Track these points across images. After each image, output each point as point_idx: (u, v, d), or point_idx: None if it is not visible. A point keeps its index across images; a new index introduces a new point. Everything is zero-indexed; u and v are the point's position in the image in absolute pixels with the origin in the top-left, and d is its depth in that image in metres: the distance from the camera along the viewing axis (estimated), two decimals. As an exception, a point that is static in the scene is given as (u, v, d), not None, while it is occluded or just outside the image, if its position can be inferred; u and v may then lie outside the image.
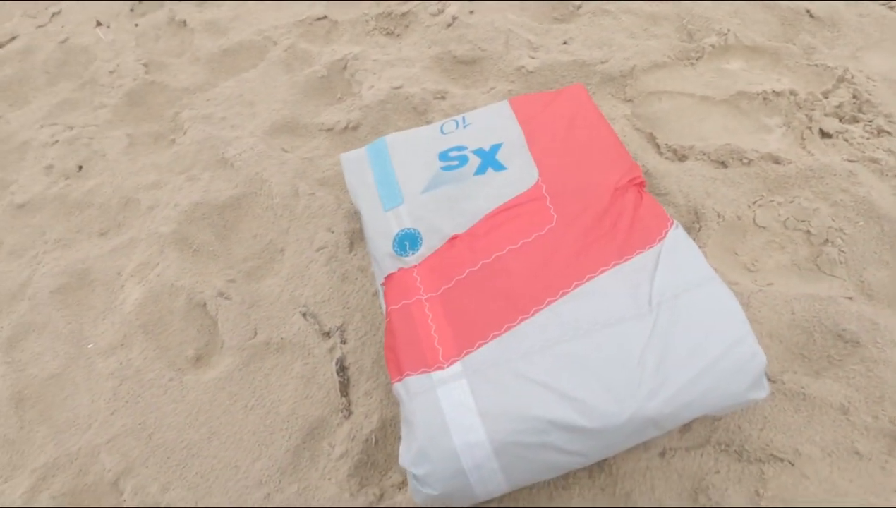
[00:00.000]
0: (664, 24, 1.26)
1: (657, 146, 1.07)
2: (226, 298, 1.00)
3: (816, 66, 1.13)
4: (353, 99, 1.27)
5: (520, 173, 0.87)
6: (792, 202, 0.95)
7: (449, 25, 1.36)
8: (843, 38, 1.18)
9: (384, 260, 0.84)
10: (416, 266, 0.81)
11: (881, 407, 0.75)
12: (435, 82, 1.26)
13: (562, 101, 0.98)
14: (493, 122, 0.96)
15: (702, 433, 0.77)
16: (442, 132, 0.97)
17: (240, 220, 1.14)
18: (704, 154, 1.03)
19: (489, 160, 0.90)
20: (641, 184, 0.85)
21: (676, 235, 0.77)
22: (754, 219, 0.94)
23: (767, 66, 1.17)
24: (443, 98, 1.22)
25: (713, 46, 1.19)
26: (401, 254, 0.83)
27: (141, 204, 1.18)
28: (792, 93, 1.08)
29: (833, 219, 0.92)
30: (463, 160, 0.91)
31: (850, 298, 0.85)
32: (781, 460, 0.74)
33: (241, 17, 1.55)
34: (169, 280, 1.04)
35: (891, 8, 1.22)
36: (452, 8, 1.39)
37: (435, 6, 1.42)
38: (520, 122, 0.95)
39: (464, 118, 0.99)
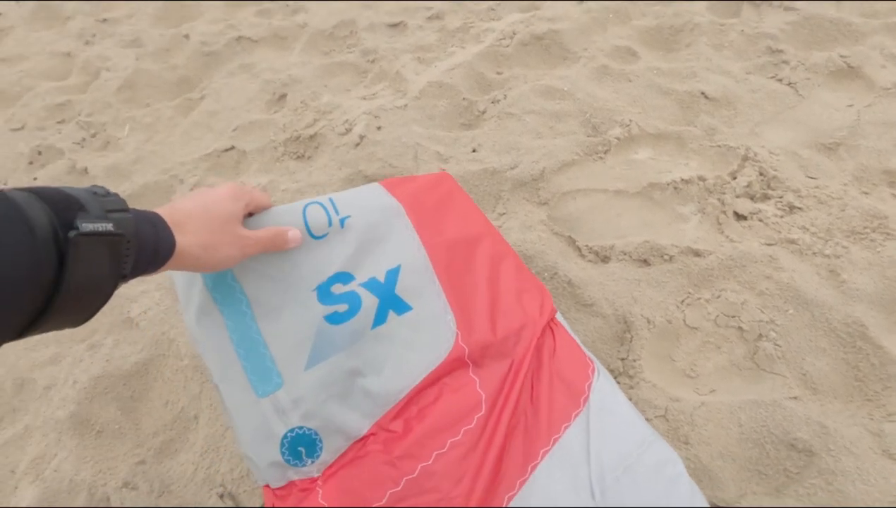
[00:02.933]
0: (568, 121, 1.27)
1: (578, 249, 1.04)
2: (132, 489, 0.89)
3: (720, 146, 1.14)
4: (264, 235, 1.21)
5: (432, 318, 0.68)
6: (719, 297, 0.92)
7: (357, 145, 1.34)
8: (740, 116, 1.21)
9: (268, 469, 0.62)
10: (317, 478, 0.62)
11: (849, 525, 0.69)
12: (347, 207, 1.21)
13: (440, 194, 0.79)
14: (375, 217, 0.71)
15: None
16: (312, 234, 0.67)
17: (149, 388, 1.04)
18: (625, 253, 1.00)
19: (388, 298, 0.67)
20: (553, 313, 0.76)
21: (601, 389, 0.68)
22: (685, 321, 0.90)
23: (674, 151, 1.18)
24: (356, 223, 1.17)
25: (618, 138, 1.19)
26: (296, 464, 0.62)
27: (37, 384, 1.07)
28: (700, 178, 1.08)
29: (762, 311, 0.89)
30: (354, 303, 0.66)
31: (796, 398, 0.80)
32: None
33: (145, 159, 1.50)
34: (67, 475, 0.92)
35: (779, 81, 1.26)
36: (359, 126, 1.37)
37: (342, 125, 1.41)
38: (414, 226, 0.72)
39: (332, 201, 0.70)
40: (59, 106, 1.74)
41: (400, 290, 0.69)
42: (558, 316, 0.76)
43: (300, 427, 0.62)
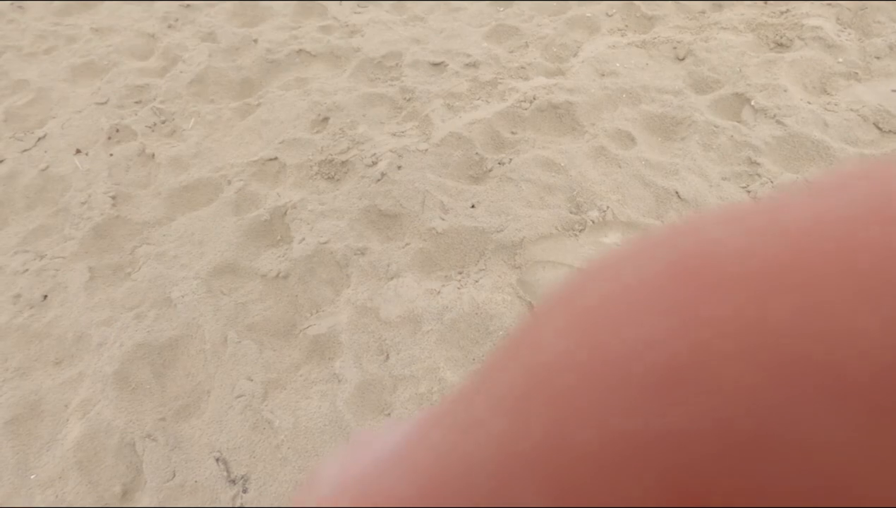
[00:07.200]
0: (557, 195, 1.47)
1: (535, 314, 1.26)
2: (152, 440, 1.17)
3: (676, 246, 1.33)
4: (286, 248, 1.46)
5: None
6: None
7: (378, 180, 1.57)
8: (703, 220, 1.38)
9: None
10: None
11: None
12: (358, 237, 1.45)
13: None
14: None
15: None
16: None
17: (176, 360, 1.31)
18: (569, 327, 1.21)
19: None
20: None
21: None
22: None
23: (638, 241, 1.37)
24: (362, 254, 1.41)
25: (593, 221, 1.39)
26: None
27: (92, 339, 1.36)
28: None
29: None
30: None
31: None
32: None
33: (203, 154, 1.76)
34: (106, 419, 1.20)
35: (748, 192, 1.43)
36: (383, 163, 1.60)
37: (370, 157, 1.63)
38: None
39: None
40: (138, 88, 2.01)
41: None
42: None
43: None
